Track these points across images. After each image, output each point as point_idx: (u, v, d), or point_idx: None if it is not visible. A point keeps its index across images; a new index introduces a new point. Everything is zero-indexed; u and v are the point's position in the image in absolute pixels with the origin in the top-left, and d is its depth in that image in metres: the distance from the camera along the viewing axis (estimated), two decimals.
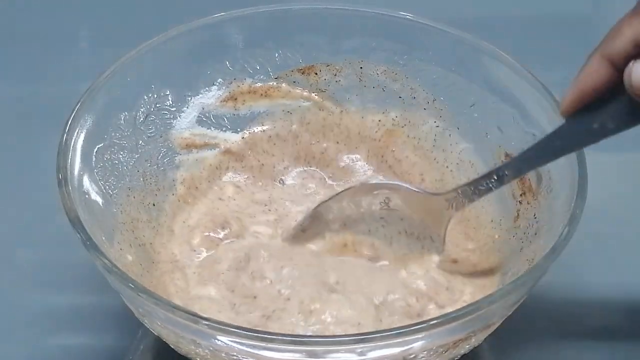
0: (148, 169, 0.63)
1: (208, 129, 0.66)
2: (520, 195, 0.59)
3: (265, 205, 0.66)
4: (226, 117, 0.67)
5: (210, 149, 0.67)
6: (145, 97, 0.62)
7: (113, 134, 0.60)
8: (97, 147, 0.58)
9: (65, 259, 0.65)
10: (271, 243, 0.62)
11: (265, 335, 0.45)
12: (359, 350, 0.46)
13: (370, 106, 0.67)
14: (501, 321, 0.52)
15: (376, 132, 0.68)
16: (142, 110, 0.62)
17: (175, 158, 0.65)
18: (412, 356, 0.48)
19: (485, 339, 0.53)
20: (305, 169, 0.68)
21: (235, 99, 0.67)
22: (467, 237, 0.63)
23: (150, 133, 0.63)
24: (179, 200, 0.64)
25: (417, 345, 0.47)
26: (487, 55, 0.62)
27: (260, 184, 0.67)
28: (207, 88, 0.66)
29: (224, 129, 0.67)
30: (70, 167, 0.54)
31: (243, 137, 0.67)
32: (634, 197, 0.73)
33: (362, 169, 0.68)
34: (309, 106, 0.68)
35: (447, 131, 0.65)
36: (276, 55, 0.66)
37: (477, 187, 0.57)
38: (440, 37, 0.64)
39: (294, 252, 0.61)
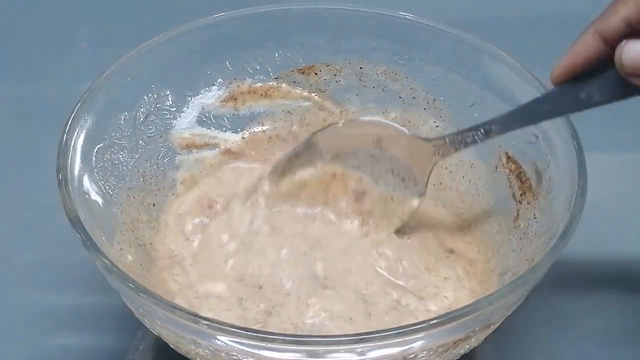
0: (148, 169, 0.63)
1: (208, 129, 0.66)
2: (520, 195, 0.59)
3: None
4: (226, 117, 0.67)
5: (210, 149, 0.67)
6: (145, 97, 0.62)
7: (113, 134, 0.60)
8: (97, 147, 0.58)
9: (65, 259, 0.65)
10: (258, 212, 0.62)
11: (266, 335, 0.45)
12: (359, 350, 0.46)
13: (370, 106, 0.67)
14: (501, 321, 0.52)
15: None
16: (142, 110, 0.62)
17: (175, 158, 0.65)
18: (412, 356, 0.48)
19: (485, 338, 0.53)
20: None
21: (235, 99, 0.66)
22: (465, 232, 0.63)
23: (150, 133, 0.63)
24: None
25: (417, 345, 0.47)
26: (487, 55, 0.62)
27: None
28: (207, 88, 0.66)
29: (224, 129, 0.67)
30: (70, 167, 0.54)
31: (243, 137, 0.67)
32: (634, 197, 0.73)
33: None
34: (309, 106, 0.68)
35: (447, 131, 0.65)
36: (276, 55, 0.66)
37: (464, 138, 0.58)
38: (440, 37, 0.64)
39: (282, 219, 0.62)
